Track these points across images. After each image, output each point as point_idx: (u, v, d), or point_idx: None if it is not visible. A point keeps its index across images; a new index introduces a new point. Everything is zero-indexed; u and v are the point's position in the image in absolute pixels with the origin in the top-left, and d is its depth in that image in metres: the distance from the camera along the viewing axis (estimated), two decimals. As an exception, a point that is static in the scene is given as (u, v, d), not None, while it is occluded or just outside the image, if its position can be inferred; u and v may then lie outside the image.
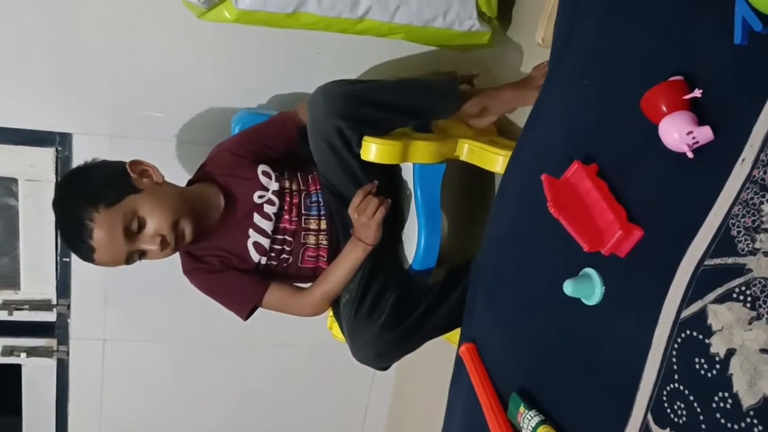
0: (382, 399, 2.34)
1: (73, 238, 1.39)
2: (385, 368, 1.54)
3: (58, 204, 1.46)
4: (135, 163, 1.44)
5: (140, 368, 2.10)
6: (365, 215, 1.40)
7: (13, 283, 1.93)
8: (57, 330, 1.99)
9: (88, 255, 1.37)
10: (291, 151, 1.57)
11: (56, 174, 1.79)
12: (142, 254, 1.40)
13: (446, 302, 1.43)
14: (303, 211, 1.53)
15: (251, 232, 1.49)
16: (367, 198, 1.41)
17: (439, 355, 1.60)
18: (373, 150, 1.37)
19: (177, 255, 1.52)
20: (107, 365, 2.06)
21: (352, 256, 1.45)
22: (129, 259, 1.39)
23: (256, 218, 1.49)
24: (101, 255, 1.36)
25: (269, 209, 1.50)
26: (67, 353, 2.01)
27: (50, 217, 1.82)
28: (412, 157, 1.42)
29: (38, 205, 1.82)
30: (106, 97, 1.73)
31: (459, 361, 1.29)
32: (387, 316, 1.38)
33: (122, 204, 1.35)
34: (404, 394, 2.29)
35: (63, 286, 1.93)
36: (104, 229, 1.33)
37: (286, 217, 1.52)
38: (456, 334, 1.40)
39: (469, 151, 1.46)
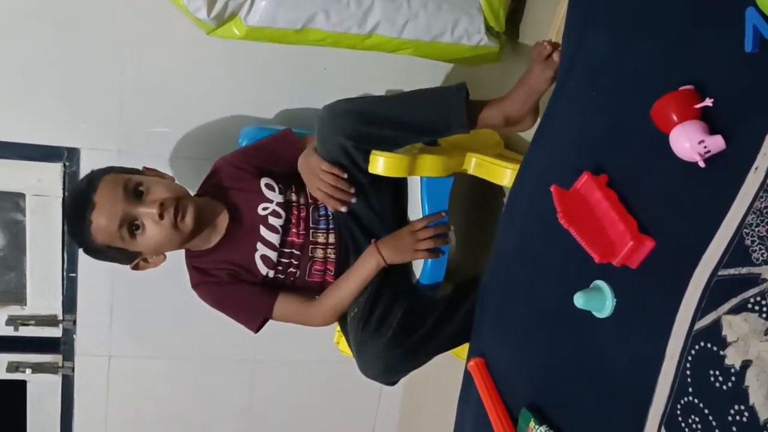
0: (390, 415, 2.32)
1: (77, 199, 1.42)
2: (393, 383, 1.53)
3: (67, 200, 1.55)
4: (149, 168, 1.51)
5: (146, 385, 2.09)
6: (417, 243, 1.45)
7: (20, 299, 1.92)
8: (63, 346, 1.98)
9: (86, 214, 1.38)
10: (294, 167, 1.55)
11: (64, 189, 1.79)
12: (138, 227, 1.39)
13: (454, 317, 1.42)
14: (311, 225, 1.53)
15: (259, 245, 1.49)
16: (431, 228, 1.45)
17: (447, 371, 1.59)
18: (380, 163, 1.37)
19: (185, 271, 1.52)
20: (113, 381, 2.04)
21: (366, 269, 1.45)
22: (122, 224, 1.37)
23: (263, 231, 1.49)
24: (98, 213, 1.37)
25: (275, 221, 1.50)
26: (73, 369, 2.00)
27: (57, 232, 1.84)
28: (419, 170, 1.42)
29: (45, 220, 1.82)
30: (114, 113, 1.74)
31: (468, 376, 1.27)
32: (395, 330, 1.37)
33: (130, 174, 1.45)
34: (412, 410, 2.27)
35: (69, 302, 1.92)
36: (108, 185, 1.39)
37: (294, 230, 1.52)
38: (464, 349, 1.39)
39: (476, 164, 1.46)
